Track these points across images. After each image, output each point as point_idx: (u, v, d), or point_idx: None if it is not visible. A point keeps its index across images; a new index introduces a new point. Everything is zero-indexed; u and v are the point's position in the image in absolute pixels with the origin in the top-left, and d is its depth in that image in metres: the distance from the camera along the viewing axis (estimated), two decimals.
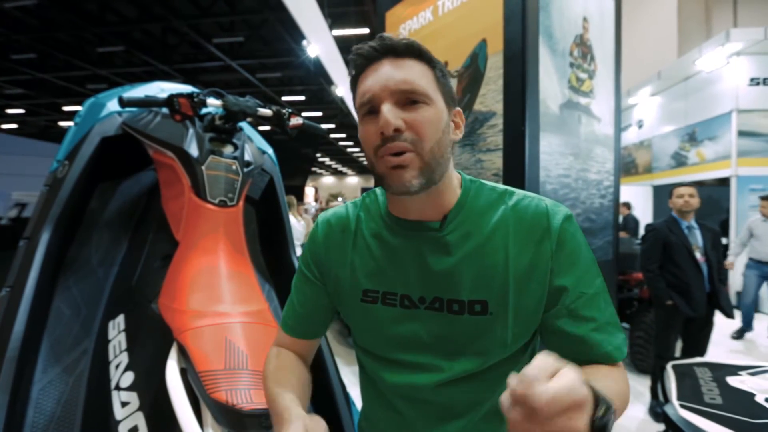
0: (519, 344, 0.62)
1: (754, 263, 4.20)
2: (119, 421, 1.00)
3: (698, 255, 2.55)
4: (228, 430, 0.86)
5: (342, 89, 9.16)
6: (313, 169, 28.69)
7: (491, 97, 2.07)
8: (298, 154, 14.47)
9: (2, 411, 0.98)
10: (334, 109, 14.56)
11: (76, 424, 1.12)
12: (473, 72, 2.16)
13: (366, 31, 8.42)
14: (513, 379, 0.36)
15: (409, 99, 0.57)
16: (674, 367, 1.93)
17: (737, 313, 4.11)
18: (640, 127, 8.09)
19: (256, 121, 1.30)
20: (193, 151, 1.12)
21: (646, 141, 7.87)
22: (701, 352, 2.61)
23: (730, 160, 5.76)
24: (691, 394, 1.63)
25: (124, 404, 1.02)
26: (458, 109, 0.64)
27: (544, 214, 0.61)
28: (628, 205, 6.48)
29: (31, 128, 17.50)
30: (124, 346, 1.11)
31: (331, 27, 7.04)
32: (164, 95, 1.11)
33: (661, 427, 1.85)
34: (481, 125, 2.11)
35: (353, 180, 34.59)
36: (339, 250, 0.68)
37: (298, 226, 4.49)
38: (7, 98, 13.11)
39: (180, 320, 0.99)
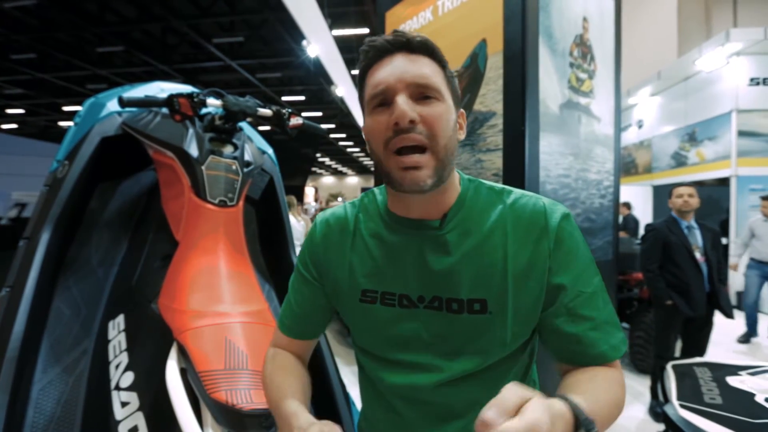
0: (518, 343, 0.62)
1: (755, 263, 4.18)
2: (119, 421, 1.00)
3: (698, 255, 2.55)
4: (228, 430, 0.86)
5: (342, 89, 9.15)
6: (313, 169, 28.69)
7: (491, 97, 2.07)
8: (298, 154, 14.47)
9: (2, 411, 0.98)
10: (334, 109, 14.56)
11: (76, 424, 1.12)
12: (473, 72, 2.16)
13: (366, 31, 8.42)
14: (478, 421, 0.36)
15: (422, 94, 0.57)
16: (674, 367, 1.93)
17: (740, 315, 4.09)
18: (640, 127, 8.09)
19: (256, 121, 1.30)
20: (193, 151, 1.12)
21: (646, 141, 7.87)
22: (701, 352, 2.61)
23: (730, 160, 5.76)
24: (691, 394, 1.63)
25: (124, 404, 1.02)
26: (462, 110, 0.65)
27: (542, 212, 0.61)
28: (628, 205, 6.48)
29: (31, 128, 17.50)
30: (124, 346, 1.11)
31: (331, 27, 7.04)
32: (164, 95, 1.11)
33: (661, 427, 1.85)
34: (481, 125, 2.11)
35: (353, 180, 34.59)
36: (337, 251, 0.68)
37: (298, 226, 4.49)
38: (7, 98, 13.11)
39: (180, 320, 0.99)
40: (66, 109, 14.17)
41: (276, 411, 0.60)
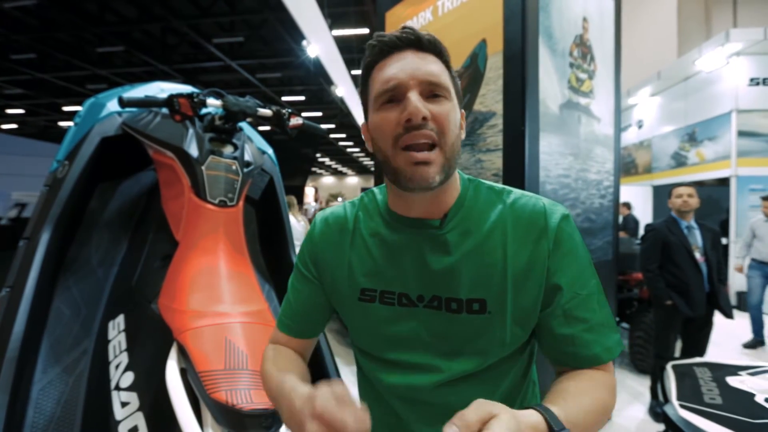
0: (517, 343, 0.62)
1: (756, 264, 4.10)
2: (119, 422, 1.00)
3: (698, 255, 2.55)
4: (228, 430, 0.86)
5: (342, 89, 9.15)
6: (313, 169, 28.69)
7: (491, 97, 2.07)
8: (298, 154, 14.45)
9: (2, 411, 0.98)
10: (334, 109, 14.56)
11: (76, 424, 1.12)
12: (473, 72, 2.16)
13: (366, 31, 8.42)
14: None
15: (432, 92, 0.57)
16: (674, 367, 1.93)
17: (741, 316, 4.01)
18: (639, 127, 8.09)
19: (256, 121, 1.30)
20: (193, 151, 1.12)
21: (646, 141, 7.87)
22: (701, 352, 2.61)
23: (729, 160, 5.76)
24: (690, 394, 1.63)
25: (124, 404, 1.02)
26: (462, 110, 0.65)
27: (542, 213, 0.61)
28: (628, 205, 6.49)
29: (31, 128, 17.50)
30: (124, 346, 1.11)
31: (331, 27, 7.04)
32: (164, 95, 1.11)
33: (661, 427, 1.85)
34: (481, 125, 2.12)
35: (353, 180, 34.59)
36: (336, 250, 0.68)
37: (298, 226, 4.49)
38: (7, 98, 13.11)
39: (180, 320, 0.99)
40: (66, 109, 14.17)
41: (277, 395, 0.56)
